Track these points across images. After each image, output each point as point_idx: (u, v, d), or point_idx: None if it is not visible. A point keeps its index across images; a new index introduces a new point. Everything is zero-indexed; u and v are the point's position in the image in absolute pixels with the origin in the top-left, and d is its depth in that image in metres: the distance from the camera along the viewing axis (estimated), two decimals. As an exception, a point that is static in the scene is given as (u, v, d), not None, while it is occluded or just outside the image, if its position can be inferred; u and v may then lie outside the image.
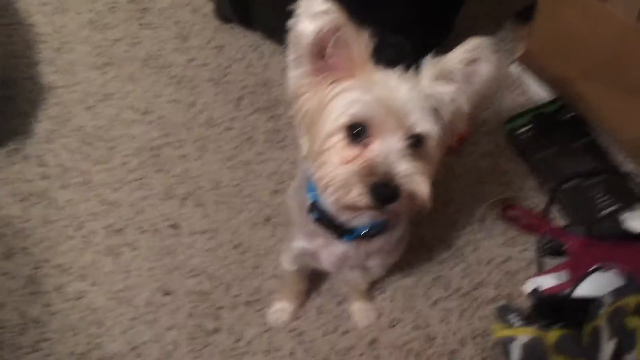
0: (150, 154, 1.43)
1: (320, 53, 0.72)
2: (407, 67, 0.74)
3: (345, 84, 0.72)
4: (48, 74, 1.55)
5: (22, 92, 1.52)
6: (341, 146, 0.72)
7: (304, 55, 0.71)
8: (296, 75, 0.74)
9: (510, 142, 1.42)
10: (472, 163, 1.40)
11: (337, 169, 0.71)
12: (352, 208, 0.72)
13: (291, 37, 0.71)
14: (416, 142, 0.71)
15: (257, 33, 1.61)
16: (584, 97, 1.31)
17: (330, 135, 0.72)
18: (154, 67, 1.57)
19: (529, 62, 1.42)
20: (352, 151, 0.71)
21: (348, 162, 0.71)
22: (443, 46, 1.43)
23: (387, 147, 0.69)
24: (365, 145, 0.70)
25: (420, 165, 0.70)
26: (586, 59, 1.24)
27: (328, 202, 0.77)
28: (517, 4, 1.60)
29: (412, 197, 0.69)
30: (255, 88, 1.54)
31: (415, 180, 0.69)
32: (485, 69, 0.73)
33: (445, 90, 0.73)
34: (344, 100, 0.71)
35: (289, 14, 0.71)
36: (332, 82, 0.73)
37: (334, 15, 0.68)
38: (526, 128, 1.40)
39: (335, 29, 0.69)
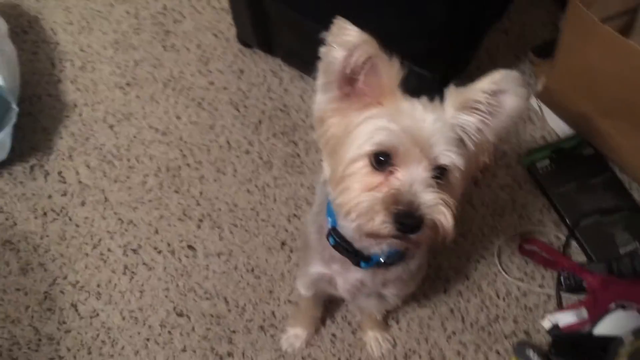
0: (169, 175, 1.44)
1: (350, 80, 0.72)
2: (430, 98, 0.74)
3: (372, 111, 0.72)
4: (70, 92, 1.57)
5: (44, 109, 1.54)
6: (364, 173, 0.72)
7: (333, 81, 0.72)
8: (323, 100, 0.74)
9: (529, 175, 1.42)
10: (491, 195, 1.40)
11: (360, 195, 0.70)
12: (375, 236, 0.71)
13: (321, 63, 0.72)
14: (440, 173, 0.71)
15: (277, 59, 1.63)
16: (604, 134, 1.31)
17: (354, 161, 0.72)
18: (175, 88, 1.59)
19: (548, 97, 1.43)
20: (376, 178, 0.71)
21: (371, 189, 0.70)
22: (463, 78, 1.45)
23: (412, 176, 0.69)
24: (390, 174, 0.70)
25: (445, 196, 0.70)
26: (607, 96, 1.24)
27: (350, 227, 0.77)
28: (537, 39, 1.62)
29: (435, 227, 0.69)
30: (274, 112, 1.55)
31: (440, 210, 0.68)
32: (511, 102, 0.72)
33: (470, 120, 0.73)
34: (370, 127, 0.71)
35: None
36: (359, 109, 0.73)
37: (367, 44, 0.68)
38: (545, 162, 1.40)
39: (367, 57, 0.70)
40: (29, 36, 1.67)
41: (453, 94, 0.73)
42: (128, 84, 1.59)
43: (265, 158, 1.47)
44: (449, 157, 0.70)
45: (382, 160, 0.70)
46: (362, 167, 0.72)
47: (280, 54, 1.62)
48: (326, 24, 0.69)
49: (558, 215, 1.36)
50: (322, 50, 0.70)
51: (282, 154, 1.47)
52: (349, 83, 0.72)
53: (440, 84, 1.34)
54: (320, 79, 0.72)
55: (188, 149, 1.48)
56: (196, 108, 1.55)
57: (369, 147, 0.71)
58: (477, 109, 0.72)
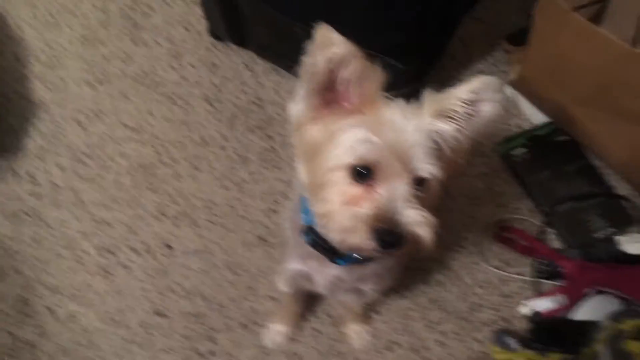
0: (143, 173, 1.41)
1: (331, 86, 0.71)
2: (404, 91, 0.74)
3: (353, 119, 0.72)
4: (38, 90, 1.53)
5: (12, 108, 1.49)
6: (344, 184, 0.71)
7: (314, 87, 0.71)
8: (304, 107, 0.73)
9: (505, 164, 1.43)
10: (468, 184, 1.41)
11: (340, 210, 0.70)
12: (356, 250, 0.72)
13: (303, 70, 0.70)
14: (419, 184, 0.71)
15: (250, 52, 1.61)
16: (578, 122, 1.33)
17: (333, 170, 0.72)
18: (147, 84, 1.56)
19: (522, 86, 1.44)
20: (356, 190, 0.70)
21: (352, 202, 0.70)
22: (437, 69, 1.44)
23: (393, 192, 0.69)
24: (369, 186, 0.70)
25: (425, 212, 0.70)
26: (580, 84, 1.25)
27: (330, 237, 0.76)
28: (511, 27, 1.62)
29: (416, 242, 0.69)
30: (249, 107, 1.53)
31: (421, 227, 0.68)
32: (488, 109, 0.73)
33: (447, 128, 0.73)
34: (352, 138, 0.71)
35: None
36: (340, 116, 0.72)
37: (352, 55, 0.67)
38: (521, 150, 1.41)
39: (348, 64, 0.68)
40: (-7, 33, 1.61)
41: (431, 101, 0.72)
42: (97, 81, 1.56)
43: (241, 153, 1.45)
44: (429, 169, 0.70)
45: (362, 173, 0.70)
46: (341, 177, 0.71)
47: (253, 47, 1.60)
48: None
49: (534, 203, 1.38)
50: (305, 58, 0.68)
51: (258, 149, 1.46)
52: (331, 90, 0.71)
53: (414, 75, 1.33)
54: (302, 87, 0.71)
55: (162, 146, 1.45)
56: (169, 104, 1.53)
57: (350, 160, 0.70)
58: (454, 117, 0.72)
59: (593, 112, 1.25)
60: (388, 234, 0.67)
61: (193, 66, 1.59)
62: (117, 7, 1.67)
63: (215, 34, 1.63)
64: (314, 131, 0.73)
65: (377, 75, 0.70)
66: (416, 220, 0.68)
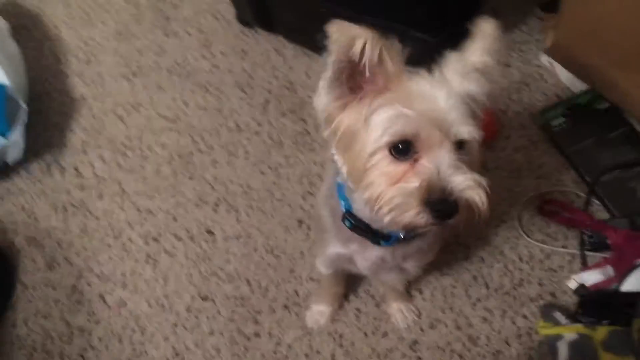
0: (182, 161, 1.44)
1: (354, 73, 0.70)
2: (429, 65, 0.73)
3: (382, 99, 0.70)
4: (78, 86, 1.58)
5: (54, 105, 1.55)
6: (386, 164, 0.70)
7: (338, 79, 0.70)
8: (329, 98, 0.72)
9: (545, 135, 1.39)
10: (506, 158, 1.38)
11: (388, 190, 0.69)
12: (412, 227, 0.70)
13: (326, 66, 0.69)
14: (460, 147, 0.70)
15: (279, 36, 1.61)
16: (620, 87, 1.28)
17: (373, 153, 0.70)
18: (180, 74, 1.59)
19: (558, 53, 1.39)
20: (400, 168, 0.69)
21: (398, 180, 0.69)
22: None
23: (438, 161, 0.68)
24: (414, 161, 0.69)
25: (474, 175, 0.68)
26: (620, 46, 1.20)
27: (382, 220, 0.75)
28: (544, -6, 1.57)
29: (470, 208, 0.68)
30: (281, 91, 1.54)
31: (474, 191, 0.67)
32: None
33: (476, 86, 0.72)
34: (384, 117, 0.69)
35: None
36: (368, 100, 0.71)
37: (365, 38, 0.66)
38: (561, 120, 1.37)
39: (371, 52, 0.67)
40: (32, 34, 1.67)
41: (453, 61, 0.71)
42: (134, 74, 1.59)
43: (275, 138, 1.46)
44: (468, 131, 0.69)
45: (401, 148, 0.69)
46: (382, 158, 0.70)
47: (282, 31, 1.60)
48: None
49: (577, 173, 1.34)
50: (325, 54, 0.68)
51: (292, 133, 1.47)
52: (354, 77, 0.70)
53: (443, 48, 1.31)
54: (325, 80, 0.70)
55: (198, 135, 1.48)
56: (203, 93, 1.55)
57: (388, 138, 0.69)
58: (480, 73, 0.71)
59: (635, 76, 1.20)
60: (442, 203, 0.66)
61: (224, 54, 1.61)
62: (147, 1, 1.70)
63: (243, 20, 1.64)
64: (346, 120, 0.72)
65: (396, 52, 0.69)
66: (467, 184, 0.67)
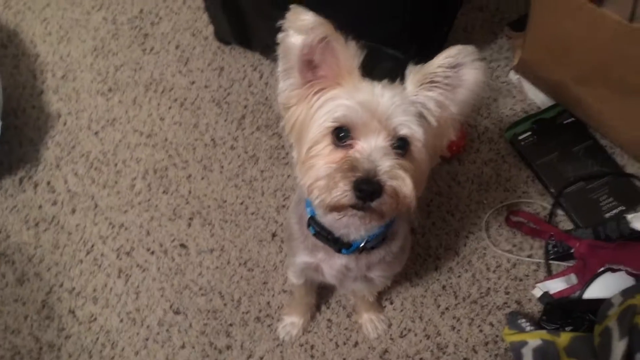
0: (156, 176, 1.45)
1: (309, 64, 0.73)
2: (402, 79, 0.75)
3: (331, 92, 0.74)
4: (54, 102, 1.58)
5: (29, 121, 1.55)
6: (327, 152, 0.73)
7: (292, 66, 0.73)
8: (286, 87, 0.75)
9: (512, 148, 1.43)
10: (476, 170, 1.41)
11: (320, 169, 0.72)
12: (338, 207, 0.72)
13: (280, 50, 0.73)
14: (402, 146, 0.72)
15: (256, 53, 1.64)
16: (582, 101, 1.32)
17: (316, 142, 0.73)
18: (157, 90, 1.60)
19: (525, 69, 1.44)
20: (338, 154, 0.72)
21: (333, 163, 0.72)
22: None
23: (370, 146, 0.71)
24: (350, 147, 0.72)
25: (404, 162, 0.71)
26: (581, 62, 1.25)
27: (316, 207, 0.77)
28: (512, 13, 1.62)
29: (395, 194, 0.70)
30: (257, 107, 1.56)
31: (397, 175, 0.69)
32: (470, 75, 0.73)
33: (430, 95, 0.74)
34: (329, 107, 0.73)
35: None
36: (318, 91, 0.74)
37: (321, 27, 0.69)
38: (527, 134, 1.41)
39: (323, 40, 0.70)
40: (9, 50, 1.67)
41: (412, 72, 0.74)
42: (110, 90, 1.60)
43: (250, 152, 1.48)
44: (408, 127, 0.71)
45: (342, 136, 0.72)
46: (324, 146, 0.73)
47: (259, 48, 1.63)
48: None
49: (542, 185, 1.37)
50: (279, 36, 0.71)
51: (267, 147, 1.49)
52: (310, 68, 0.73)
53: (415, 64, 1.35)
54: (281, 66, 0.73)
55: (174, 149, 1.49)
56: (179, 108, 1.56)
57: (327, 124, 0.72)
58: (435, 83, 0.73)
59: (596, 91, 1.25)
60: (364, 182, 0.68)
61: (201, 70, 1.63)
62: (125, 18, 1.72)
63: (221, 37, 1.67)
64: (298, 111, 0.76)
65: (351, 50, 0.72)
66: (393, 168, 0.69)
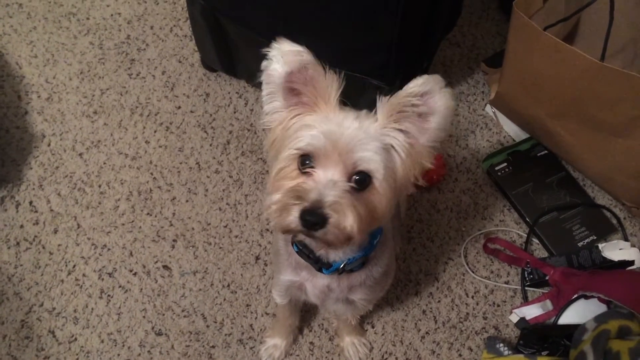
0: (140, 198, 1.46)
1: (292, 91, 0.77)
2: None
3: (306, 118, 0.77)
4: (38, 123, 1.59)
5: (13, 141, 1.54)
6: (292, 176, 0.76)
7: (275, 91, 0.77)
8: (269, 109, 0.79)
9: (489, 178, 1.49)
10: (454, 199, 1.46)
11: (278, 192, 0.75)
12: (287, 231, 0.75)
13: (264, 76, 0.77)
14: (362, 179, 0.74)
15: (241, 80, 1.68)
16: (555, 135, 1.39)
17: (286, 165, 0.77)
18: (143, 114, 1.62)
19: (500, 104, 1.51)
20: (300, 179, 0.76)
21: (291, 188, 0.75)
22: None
23: (326, 177, 0.74)
24: (309, 175, 0.75)
25: (356, 199, 0.73)
26: (553, 98, 1.31)
27: (272, 227, 0.80)
28: (488, 50, 1.71)
29: (339, 227, 0.72)
30: (242, 132, 1.59)
31: (341, 210, 0.71)
32: (438, 101, 0.73)
33: (398, 127, 0.75)
34: (298, 133, 0.76)
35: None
36: (296, 116, 0.78)
37: (302, 56, 0.74)
38: (503, 165, 1.47)
39: (304, 69, 0.75)
40: (-6, 71, 1.68)
41: (382, 104, 0.75)
42: (95, 112, 1.62)
43: (235, 176, 1.50)
44: (367, 162, 0.73)
45: (307, 163, 0.75)
46: (292, 170, 0.77)
47: (244, 76, 1.66)
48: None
49: (518, 214, 1.43)
50: (264, 63, 0.75)
51: (252, 172, 1.51)
52: (295, 95, 0.77)
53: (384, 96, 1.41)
54: (264, 90, 0.77)
55: (158, 172, 1.50)
56: (164, 132, 1.58)
57: (293, 151, 0.76)
58: (405, 113, 0.74)
59: (568, 125, 1.31)
60: (309, 213, 0.70)
61: (187, 96, 1.66)
62: (112, 43, 1.75)
63: (207, 65, 1.70)
64: (277, 131, 0.79)
65: (330, 79, 0.75)
66: (337, 202, 0.71)
